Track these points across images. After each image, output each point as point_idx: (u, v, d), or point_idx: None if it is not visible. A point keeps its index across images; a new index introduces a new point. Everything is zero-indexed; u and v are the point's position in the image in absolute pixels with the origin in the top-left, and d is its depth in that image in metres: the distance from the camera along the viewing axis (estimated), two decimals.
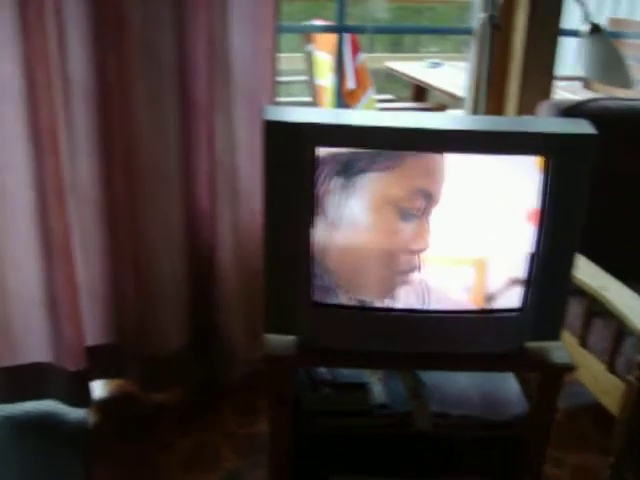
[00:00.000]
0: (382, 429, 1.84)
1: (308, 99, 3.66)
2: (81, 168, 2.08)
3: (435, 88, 4.24)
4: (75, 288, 2.14)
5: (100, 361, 2.31)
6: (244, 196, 2.21)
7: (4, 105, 1.96)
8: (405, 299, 1.61)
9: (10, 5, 1.87)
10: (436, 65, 4.65)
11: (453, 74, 4.43)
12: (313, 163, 1.46)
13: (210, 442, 2.22)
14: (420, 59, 4.82)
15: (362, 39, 3.43)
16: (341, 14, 2.45)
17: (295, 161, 1.46)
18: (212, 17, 2.00)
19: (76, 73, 2.00)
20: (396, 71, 4.69)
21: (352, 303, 1.61)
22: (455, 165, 1.49)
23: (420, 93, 4.62)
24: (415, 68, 4.60)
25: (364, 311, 1.62)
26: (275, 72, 2.11)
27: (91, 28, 1.98)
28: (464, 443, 1.94)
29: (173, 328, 2.27)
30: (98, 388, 2.40)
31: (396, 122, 1.52)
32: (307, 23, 3.56)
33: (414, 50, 8.58)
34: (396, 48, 8.12)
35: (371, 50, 5.33)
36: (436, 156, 1.49)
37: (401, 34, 6.60)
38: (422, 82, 4.40)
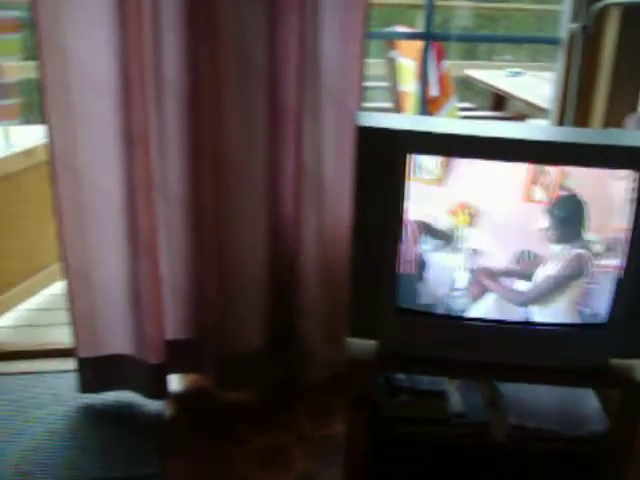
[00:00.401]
0: (458, 438, 1.84)
1: (389, 105, 3.66)
2: (170, 167, 2.13)
3: (516, 98, 4.20)
4: (159, 284, 2.19)
5: (178, 355, 2.35)
6: (329, 201, 2.22)
7: (99, 104, 2.01)
8: (489, 309, 1.61)
9: (108, 6, 1.93)
10: (516, 74, 4.61)
11: (533, 83, 4.39)
12: (405, 169, 1.46)
13: (283, 442, 2.24)
14: (495, 67, 4.80)
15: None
16: (429, 21, 2.45)
17: (387, 167, 1.47)
18: (303, 21, 2.02)
19: (169, 73, 2.05)
20: (475, 79, 4.66)
21: (437, 311, 1.62)
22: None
23: (499, 102, 4.58)
24: (495, 76, 4.56)
25: (447, 319, 1.62)
26: (363, 78, 2.12)
27: (185, 29, 2.02)
28: (540, 457, 1.92)
29: (252, 328, 2.30)
30: (175, 382, 2.45)
31: (489, 132, 1.52)
32: (389, 29, 3.57)
33: (488, 58, 8.50)
34: (470, 55, 8.04)
35: (447, 57, 5.30)
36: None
37: (482, 42, 6.53)
38: (502, 91, 4.36)
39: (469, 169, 1.49)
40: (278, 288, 2.31)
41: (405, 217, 1.51)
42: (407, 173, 1.47)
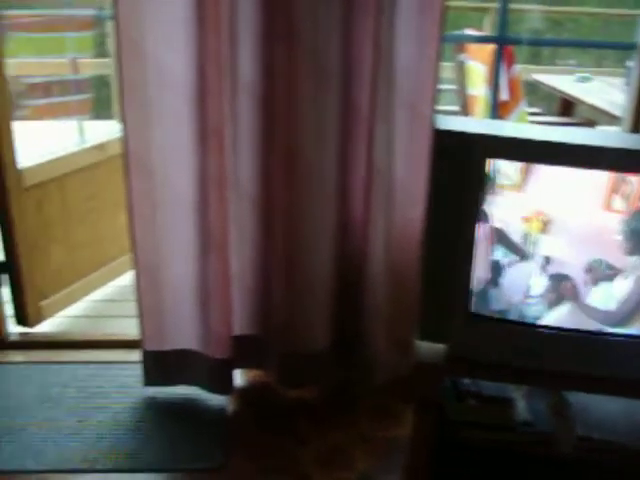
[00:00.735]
0: (524, 446, 1.83)
1: (456, 108, 3.64)
2: (242, 165, 2.15)
3: (585, 103, 4.13)
4: (228, 280, 2.21)
5: (244, 351, 2.37)
6: (399, 203, 2.22)
7: (175, 102, 2.04)
8: (563, 318, 1.59)
9: (187, 6, 1.96)
10: (585, 79, 4.54)
11: (603, 89, 4.32)
12: (483, 175, 1.46)
13: (344, 442, 2.24)
14: (563, 72, 4.73)
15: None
16: (502, 25, 2.43)
17: (464, 171, 1.46)
18: (379, 24, 2.02)
19: (244, 73, 2.07)
20: (544, 84, 4.60)
21: (509, 317, 1.61)
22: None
23: (567, 107, 4.52)
24: (563, 81, 4.50)
25: (520, 326, 1.61)
26: (437, 81, 2.11)
27: (262, 31, 2.03)
28: (606, 469, 1.89)
29: (317, 327, 2.30)
30: (238, 377, 2.47)
31: (569, 138, 1.50)
32: (459, 33, 3.56)
33: (552, 62, 8.38)
34: (534, 59, 7.95)
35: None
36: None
37: (556, 46, 6.45)
38: (571, 96, 4.30)
39: (549, 176, 1.47)
40: (344, 289, 2.31)
41: (481, 222, 1.50)
42: (485, 178, 1.47)
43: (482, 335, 1.63)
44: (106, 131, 2.86)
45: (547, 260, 1.55)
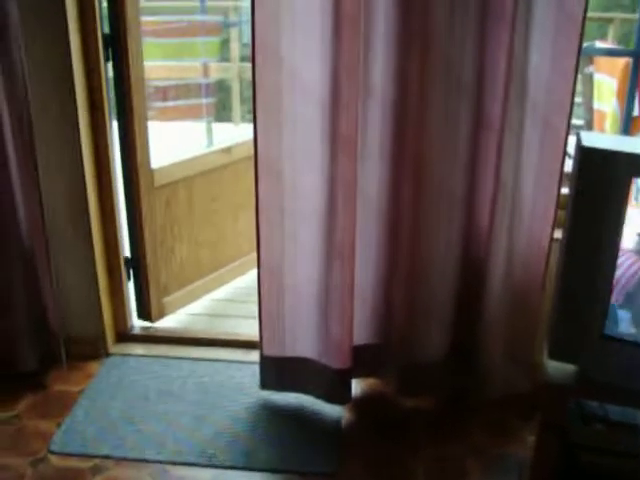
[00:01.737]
0: None
1: (581, 122, 3.55)
2: (371, 174, 2.16)
3: None
4: (351, 289, 2.22)
5: (363, 361, 2.38)
6: (524, 220, 2.18)
7: (307, 108, 2.07)
8: None
9: (323, 16, 1.98)
10: None
11: None
12: (626, 194, 1.42)
13: (457, 455, 2.23)
14: None
15: None
16: (639, 38, 2.36)
17: (607, 190, 1.43)
18: (513, 37, 1.99)
19: (376, 81, 2.08)
20: None
21: None
22: None
23: None
24: None
25: None
26: (573, 95, 2.07)
27: (396, 44, 2.04)
28: None
29: (436, 337, 2.30)
30: (355, 386, 2.47)
31: None
32: (589, 45, 3.47)
33: None
34: None
35: None
36: None
37: None
38: None
39: None
40: (464, 300, 2.29)
41: (622, 243, 1.47)
42: (628, 197, 1.43)
43: (614, 358, 1.58)
44: (232, 134, 2.92)
45: None
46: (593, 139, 1.49)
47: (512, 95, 2.05)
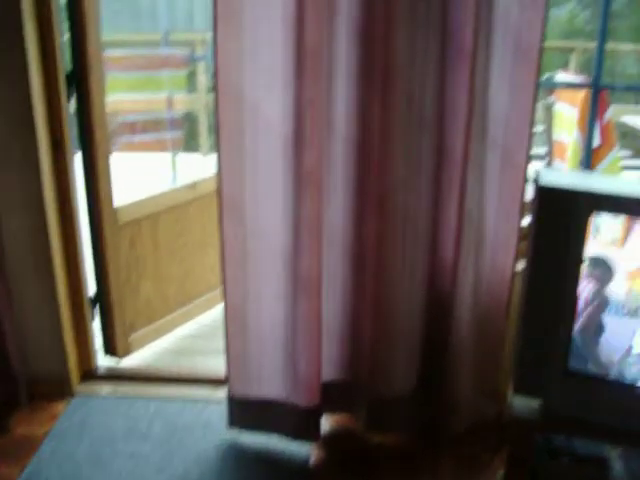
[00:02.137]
0: None
1: (544, 151, 3.59)
2: (335, 209, 2.16)
3: None
4: (318, 326, 2.21)
5: (331, 397, 2.37)
6: (489, 250, 2.21)
7: (271, 147, 2.07)
8: None
9: (286, 54, 1.99)
10: None
11: None
12: (585, 230, 1.43)
13: None
14: None
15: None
16: (598, 71, 2.40)
17: (566, 227, 1.44)
18: (473, 72, 2.02)
19: (340, 118, 2.09)
20: (631, 127, 4.50)
21: (608, 376, 1.56)
22: None
23: None
24: None
25: (619, 386, 1.56)
26: (532, 129, 2.09)
27: (358, 76, 2.05)
28: None
29: (404, 371, 2.30)
30: (323, 422, 2.44)
31: None
32: (551, 75, 3.53)
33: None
34: (621, 97, 7.85)
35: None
36: None
37: None
38: None
39: None
40: (432, 334, 2.29)
41: (582, 278, 1.48)
42: (587, 234, 1.44)
43: (579, 392, 1.59)
44: (199, 167, 2.91)
45: None
46: (551, 177, 1.51)
47: (473, 129, 2.07)
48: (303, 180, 2.07)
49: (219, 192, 2.11)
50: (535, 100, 2.09)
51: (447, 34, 2.02)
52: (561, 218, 1.44)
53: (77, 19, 2.39)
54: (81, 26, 2.39)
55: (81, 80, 2.45)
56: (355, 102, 2.08)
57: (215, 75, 2.01)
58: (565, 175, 1.54)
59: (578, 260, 1.45)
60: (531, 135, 2.10)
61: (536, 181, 1.47)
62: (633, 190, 1.48)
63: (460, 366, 2.30)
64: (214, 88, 2.02)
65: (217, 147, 2.08)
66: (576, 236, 1.43)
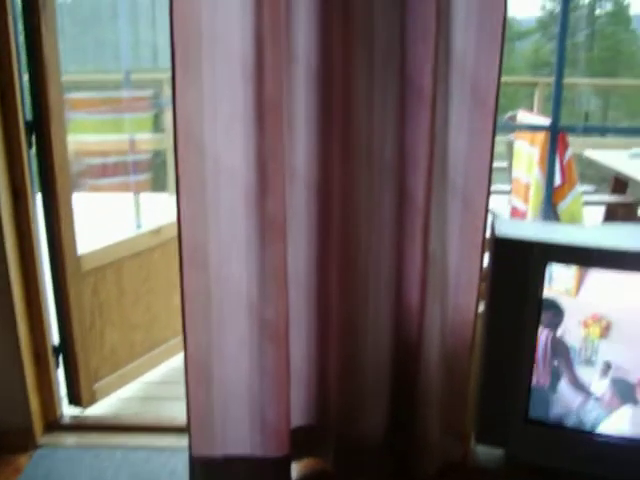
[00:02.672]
0: None
1: (507, 187, 3.62)
2: (299, 256, 2.16)
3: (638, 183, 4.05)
4: (286, 373, 2.19)
5: (300, 443, 2.35)
6: (453, 292, 2.21)
7: (236, 195, 2.07)
8: (623, 425, 1.55)
9: (246, 103, 2.00)
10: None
11: None
12: (541, 280, 1.44)
13: None
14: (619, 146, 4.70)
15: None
16: (555, 114, 2.44)
17: (522, 276, 1.45)
18: (433, 116, 2.04)
19: (302, 167, 2.10)
20: (595, 161, 4.56)
21: (568, 424, 1.57)
22: None
23: (620, 184, 4.43)
24: (617, 158, 4.45)
25: (579, 433, 1.57)
26: (491, 172, 2.12)
27: (318, 123, 2.07)
28: None
29: (372, 415, 2.28)
30: (293, 467, 2.41)
31: (626, 241, 1.48)
32: (511, 114, 3.58)
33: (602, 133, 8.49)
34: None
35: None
36: None
37: (613, 134, 6.26)
38: (625, 175, 4.23)
39: (604, 280, 1.46)
40: (399, 376, 2.29)
41: (540, 327, 1.49)
42: (542, 283, 1.45)
43: (540, 440, 1.59)
44: (165, 209, 2.88)
45: (607, 365, 1.52)
46: (507, 227, 1.52)
47: (434, 175, 2.09)
48: (266, 227, 2.07)
49: (180, 239, 2.08)
50: (493, 145, 2.11)
51: (406, 80, 2.04)
52: (516, 268, 1.46)
53: (37, 64, 2.37)
54: (41, 73, 2.38)
55: (42, 127, 2.43)
56: (316, 150, 2.09)
57: (174, 124, 2.01)
58: (520, 225, 1.55)
59: (535, 309, 1.46)
60: (490, 179, 2.12)
61: (492, 231, 1.49)
62: (586, 240, 1.50)
63: (429, 408, 2.29)
64: (174, 138, 2.01)
65: (177, 196, 2.06)
66: (531, 286, 1.44)
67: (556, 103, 2.41)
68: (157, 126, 5.00)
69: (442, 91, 2.05)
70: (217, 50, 1.97)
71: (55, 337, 2.70)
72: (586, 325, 1.49)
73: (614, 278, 1.47)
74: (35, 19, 2.33)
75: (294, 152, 2.08)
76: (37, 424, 2.63)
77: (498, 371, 1.54)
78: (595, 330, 1.49)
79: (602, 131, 5.38)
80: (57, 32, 2.40)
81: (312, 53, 2.01)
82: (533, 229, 1.54)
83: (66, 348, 2.71)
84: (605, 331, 1.49)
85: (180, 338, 3.10)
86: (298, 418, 2.34)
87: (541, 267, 1.42)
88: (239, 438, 2.28)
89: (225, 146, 2.03)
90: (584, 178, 5.36)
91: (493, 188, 2.15)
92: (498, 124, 2.11)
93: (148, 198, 4.29)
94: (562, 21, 2.35)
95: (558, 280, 1.47)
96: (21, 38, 2.37)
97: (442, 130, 2.09)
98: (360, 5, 1.95)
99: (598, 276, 1.47)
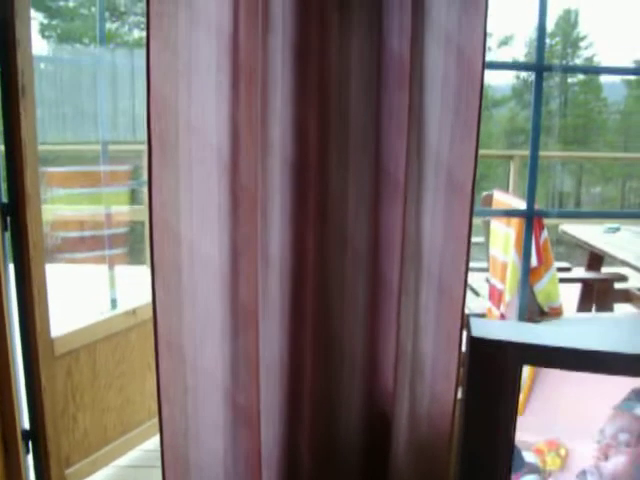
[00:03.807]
0: None
1: (484, 265, 3.64)
2: (272, 343, 2.13)
3: (616, 258, 4.08)
4: (258, 456, 2.16)
5: None
6: (427, 380, 2.20)
7: (210, 283, 2.07)
8: None
9: (219, 189, 2.02)
10: (614, 230, 4.54)
11: (631, 241, 4.31)
12: (517, 381, 1.44)
13: None
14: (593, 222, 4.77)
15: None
16: (530, 198, 2.47)
17: (498, 378, 1.44)
18: (406, 207, 2.06)
19: (275, 253, 2.08)
20: (571, 235, 4.60)
21: None
22: None
23: (596, 260, 4.47)
24: (592, 233, 4.50)
25: None
26: (468, 259, 2.13)
27: (293, 212, 2.07)
28: None
29: None
30: None
31: (614, 344, 1.48)
32: (486, 194, 3.62)
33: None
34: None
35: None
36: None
37: (588, 218, 6.26)
38: (600, 250, 4.26)
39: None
40: (370, 460, 2.26)
41: (516, 434, 1.47)
42: (519, 385, 1.45)
43: None
44: (138, 287, 2.86)
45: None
46: (483, 327, 1.52)
47: (408, 262, 2.10)
48: (240, 314, 2.08)
49: (155, 327, 2.07)
50: (470, 232, 2.13)
51: (380, 171, 2.06)
52: (492, 369, 1.45)
53: (14, 149, 2.37)
54: (19, 157, 2.37)
55: (17, 210, 2.42)
56: (290, 237, 2.09)
57: (150, 212, 2.01)
58: (496, 324, 1.55)
59: (511, 412, 1.44)
60: (467, 266, 2.13)
61: (468, 331, 1.48)
62: (564, 341, 1.49)
63: None
64: (149, 229, 2.01)
65: (152, 283, 2.05)
66: (508, 388, 1.43)
67: (530, 189, 2.45)
68: (135, 199, 5.01)
69: (416, 180, 2.08)
70: (193, 140, 1.99)
71: (25, 421, 2.64)
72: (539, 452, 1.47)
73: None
74: (14, 107, 2.34)
75: (269, 240, 2.08)
76: None
77: (475, 473, 1.52)
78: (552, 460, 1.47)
79: (576, 216, 5.47)
80: (35, 118, 2.41)
81: (287, 140, 2.02)
82: (511, 328, 1.54)
83: (37, 433, 2.64)
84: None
85: (155, 421, 3.07)
86: None
87: (518, 368, 1.42)
88: None
89: (200, 234, 2.04)
90: (561, 243, 5.41)
91: (471, 265, 2.16)
92: (474, 209, 2.13)
93: (126, 271, 4.26)
94: (534, 119, 2.40)
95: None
96: None
97: (417, 219, 2.11)
98: (335, 101, 1.99)
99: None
